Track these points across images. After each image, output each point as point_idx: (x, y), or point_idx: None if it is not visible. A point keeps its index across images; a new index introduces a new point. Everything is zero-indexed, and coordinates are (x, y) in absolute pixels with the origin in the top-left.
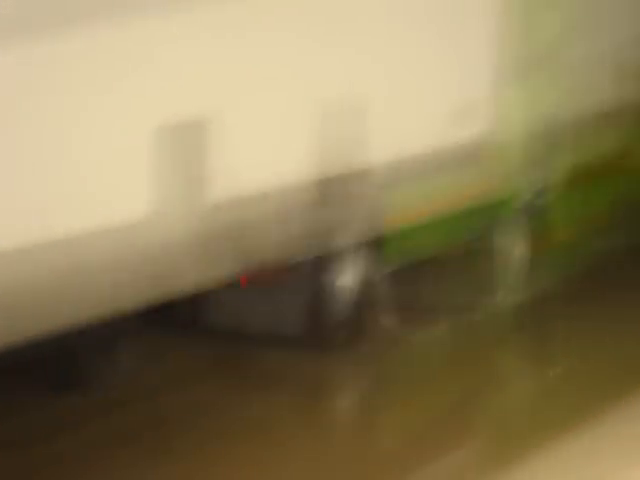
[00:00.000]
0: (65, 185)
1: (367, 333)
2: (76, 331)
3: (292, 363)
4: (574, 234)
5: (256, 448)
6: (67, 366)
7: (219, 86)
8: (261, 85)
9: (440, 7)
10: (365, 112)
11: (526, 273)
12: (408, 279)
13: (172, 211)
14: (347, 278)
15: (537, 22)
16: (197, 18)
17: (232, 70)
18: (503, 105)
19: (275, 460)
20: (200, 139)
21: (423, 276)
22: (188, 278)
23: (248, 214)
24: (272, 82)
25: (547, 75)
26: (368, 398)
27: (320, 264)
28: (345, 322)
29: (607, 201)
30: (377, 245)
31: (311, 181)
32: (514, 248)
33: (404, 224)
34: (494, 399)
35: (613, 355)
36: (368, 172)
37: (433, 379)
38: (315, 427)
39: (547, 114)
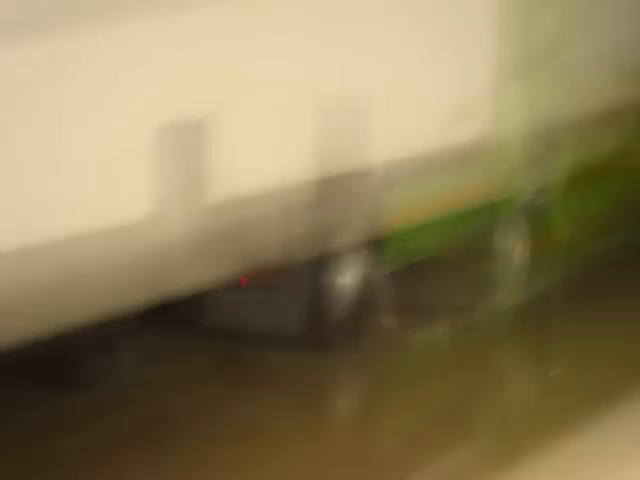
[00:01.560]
0: (65, 185)
1: (367, 333)
2: (76, 331)
3: (292, 363)
4: (574, 234)
5: (256, 448)
6: (67, 366)
7: (219, 86)
8: (261, 85)
9: (440, 7)
10: (365, 112)
11: (526, 273)
12: (408, 279)
13: (172, 211)
14: (347, 278)
15: (537, 22)
16: (197, 18)
17: (232, 70)
18: (503, 105)
19: (275, 460)
20: (200, 139)
21: (423, 276)
22: (188, 278)
23: (248, 214)
24: (272, 82)
25: (547, 75)
26: (368, 398)
27: (320, 264)
28: (345, 322)
29: (607, 201)
30: (377, 245)
31: (311, 181)
32: (514, 248)
33: (404, 224)
34: (494, 399)
35: (613, 355)
36: (368, 172)
37: (433, 379)
38: (315, 427)
39: (547, 114)
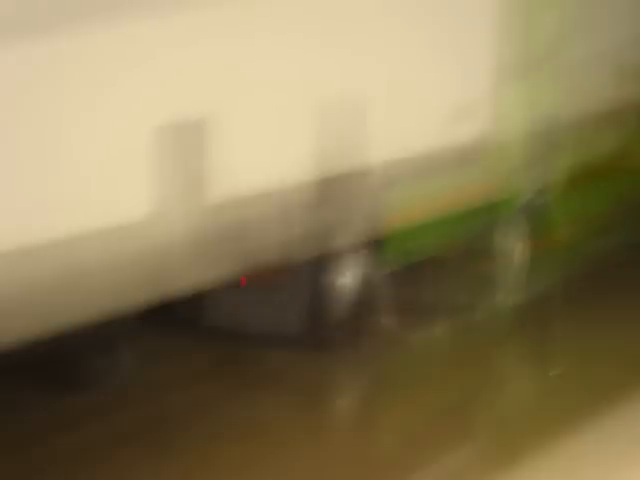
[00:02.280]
0: (65, 185)
1: (367, 333)
2: (76, 331)
3: (292, 363)
4: (574, 234)
5: (256, 448)
6: (67, 366)
7: (219, 86)
8: (261, 85)
9: (440, 7)
10: (365, 112)
11: (526, 273)
12: (408, 279)
13: (172, 211)
14: (347, 278)
15: (537, 22)
16: (196, 18)
17: (232, 70)
18: (503, 105)
19: (275, 460)
20: (200, 139)
21: (423, 276)
22: (188, 278)
23: (248, 214)
24: (272, 82)
25: (547, 75)
26: (368, 398)
27: (320, 264)
28: (345, 322)
29: (607, 201)
30: (377, 245)
31: (311, 181)
32: (514, 248)
33: (404, 224)
34: (494, 399)
35: (613, 355)
36: (368, 172)
37: (433, 379)
38: (315, 427)
39: (547, 114)
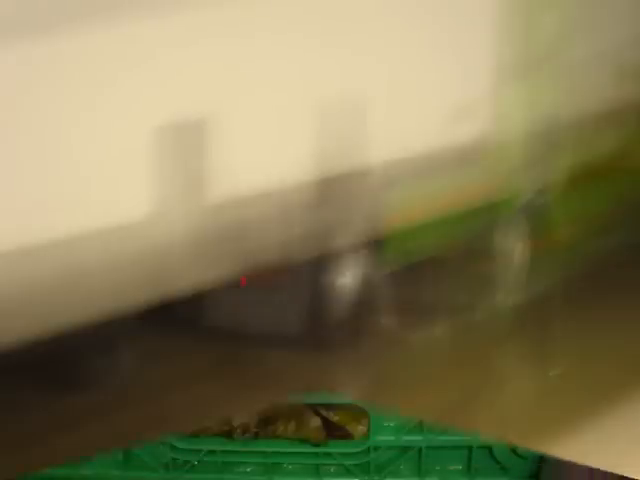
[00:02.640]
0: (65, 185)
1: (367, 333)
2: (76, 331)
3: (292, 363)
4: (574, 234)
5: None
6: (67, 366)
7: (219, 86)
8: (261, 85)
9: (440, 7)
10: (365, 111)
11: (526, 273)
12: (408, 279)
13: (172, 211)
14: (347, 278)
15: (537, 22)
16: (196, 18)
17: (232, 70)
18: (503, 105)
19: None
20: (200, 139)
21: (423, 276)
22: (188, 278)
23: (248, 214)
24: (272, 82)
25: (547, 75)
26: (368, 398)
27: (320, 264)
28: (345, 322)
29: (607, 201)
30: (377, 245)
31: (311, 181)
32: (514, 248)
33: (404, 224)
34: (494, 399)
35: (613, 355)
36: (368, 172)
37: (433, 379)
38: None
39: (547, 114)
